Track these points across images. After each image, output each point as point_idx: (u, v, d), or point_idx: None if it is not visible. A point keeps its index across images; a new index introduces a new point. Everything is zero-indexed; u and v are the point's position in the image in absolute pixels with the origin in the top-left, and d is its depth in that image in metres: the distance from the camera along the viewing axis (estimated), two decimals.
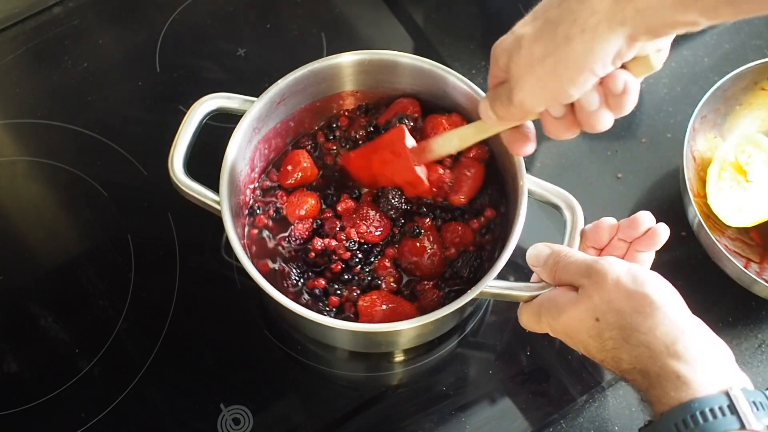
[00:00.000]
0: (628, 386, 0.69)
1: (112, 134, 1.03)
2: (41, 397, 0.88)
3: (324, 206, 0.89)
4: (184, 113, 0.84)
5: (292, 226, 0.88)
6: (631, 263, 0.71)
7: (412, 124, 0.90)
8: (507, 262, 0.78)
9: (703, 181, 0.97)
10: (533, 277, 0.82)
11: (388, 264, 0.86)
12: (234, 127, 0.84)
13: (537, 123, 0.75)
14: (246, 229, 0.89)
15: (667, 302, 0.67)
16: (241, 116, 0.85)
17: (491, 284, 0.77)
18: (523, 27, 0.68)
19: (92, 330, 0.92)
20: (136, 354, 0.91)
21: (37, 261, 0.97)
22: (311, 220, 0.88)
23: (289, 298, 0.77)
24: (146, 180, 1.00)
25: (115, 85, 1.07)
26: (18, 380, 0.90)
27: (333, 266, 0.85)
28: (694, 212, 0.89)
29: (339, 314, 0.84)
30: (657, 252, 0.79)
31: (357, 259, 0.85)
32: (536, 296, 0.76)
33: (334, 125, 0.94)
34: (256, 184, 0.91)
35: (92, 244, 0.97)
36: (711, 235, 0.88)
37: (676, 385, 0.63)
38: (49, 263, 0.97)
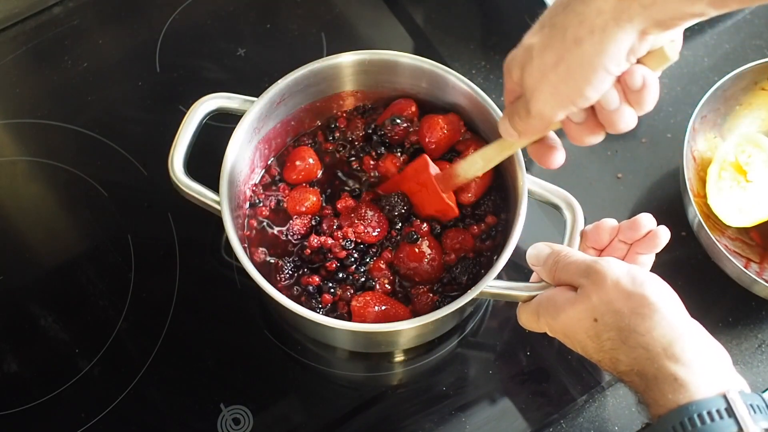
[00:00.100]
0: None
1: (112, 134, 1.03)
2: (41, 397, 0.88)
3: (324, 203, 0.90)
4: (184, 113, 0.84)
5: (291, 221, 0.88)
6: (631, 265, 0.71)
7: (405, 124, 0.90)
8: (507, 262, 0.78)
9: (703, 181, 0.97)
10: (533, 277, 0.82)
11: (383, 266, 0.86)
12: (234, 127, 0.84)
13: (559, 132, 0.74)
14: (245, 220, 0.89)
15: (666, 304, 0.67)
16: (241, 116, 0.85)
17: (491, 284, 0.77)
18: (531, 37, 0.67)
19: (92, 330, 0.92)
20: (136, 354, 0.91)
21: (37, 261, 0.97)
22: (310, 216, 0.88)
23: (279, 290, 0.77)
24: (146, 180, 1.00)
25: (115, 85, 1.07)
26: (18, 380, 0.90)
27: (328, 264, 0.85)
28: (694, 212, 0.89)
29: (331, 313, 0.84)
30: (657, 252, 0.79)
31: (352, 259, 0.85)
32: (536, 296, 0.76)
33: (333, 126, 0.94)
34: (256, 180, 0.91)
35: (92, 244, 0.97)
36: (711, 235, 0.88)
37: (674, 388, 0.63)
38: (49, 263, 0.97)
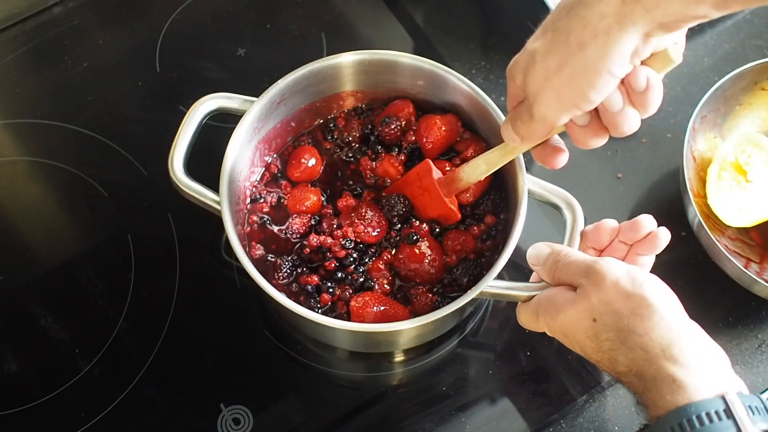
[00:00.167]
0: None
1: (112, 134, 1.03)
2: (41, 397, 0.88)
3: (325, 201, 0.90)
4: (184, 113, 0.84)
5: (290, 220, 0.88)
6: (631, 265, 0.71)
7: (396, 125, 0.90)
8: (507, 262, 0.78)
9: (703, 181, 0.97)
10: (533, 277, 0.82)
11: (382, 266, 0.86)
12: (234, 127, 0.84)
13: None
14: (246, 216, 0.89)
15: (665, 305, 0.67)
16: (241, 116, 0.85)
17: (491, 284, 0.77)
18: (534, 42, 0.67)
19: (92, 330, 0.92)
20: (136, 354, 0.91)
21: (37, 261, 0.97)
22: (309, 215, 0.88)
23: (277, 289, 0.77)
24: (146, 180, 1.00)
25: (115, 85, 1.07)
26: (18, 380, 0.90)
27: (327, 264, 0.85)
28: (694, 212, 0.89)
29: (330, 312, 0.84)
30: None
31: (351, 259, 0.85)
32: (535, 296, 0.76)
33: (332, 126, 0.94)
34: (257, 179, 0.91)
35: (92, 244, 0.97)
36: (711, 235, 0.88)
37: (672, 389, 0.63)
38: (49, 263, 0.97)
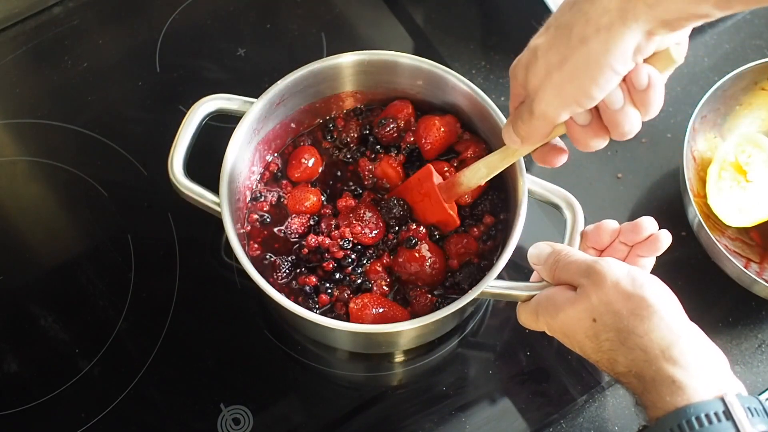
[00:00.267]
0: None
1: (112, 134, 1.03)
2: (41, 397, 0.88)
3: (325, 201, 0.90)
4: (184, 113, 0.84)
5: (289, 220, 0.88)
6: (631, 266, 0.71)
7: (392, 126, 0.90)
8: (507, 262, 0.78)
9: (703, 181, 0.97)
10: (533, 276, 0.82)
11: (379, 269, 0.85)
12: (233, 127, 0.84)
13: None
14: (245, 215, 0.89)
15: (665, 306, 0.67)
16: (240, 117, 0.85)
17: (492, 284, 0.77)
18: (537, 39, 0.67)
19: (92, 330, 0.92)
20: (136, 354, 0.91)
21: (37, 261, 0.98)
22: (308, 216, 0.88)
23: (275, 288, 0.77)
24: (146, 180, 1.00)
25: (115, 85, 1.07)
26: (18, 380, 0.90)
27: (325, 264, 0.85)
28: (694, 212, 0.89)
29: (329, 314, 0.84)
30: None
31: (350, 260, 0.85)
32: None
33: (331, 126, 0.94)
34: (257, 179, 0.91)
35: (92, 244, 0.97)
36: (711, 235, 0.88)
37: (671, 390, 0.63)
38: (49, 263, 0.97)
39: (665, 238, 0.77)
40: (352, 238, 0.85)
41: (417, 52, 0.90)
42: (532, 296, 0.76)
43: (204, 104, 0.84)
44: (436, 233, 0.86)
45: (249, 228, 0.88)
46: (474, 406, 0.89)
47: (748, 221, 0.95)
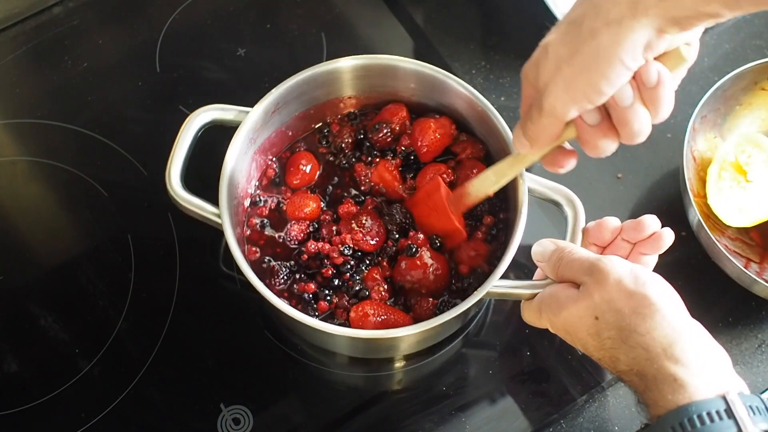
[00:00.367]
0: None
1: (112, 134, 1.03)
2: (41, 397, 0.88)
3: (324, 207, 0.89)
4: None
5: (288, 226, 0.88)
6: (634, 264, 0.71)
7: (386, 130, 0.90)
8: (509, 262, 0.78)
9: (703, 181, 0.97)
10: (537, 274, 0.82)
11: (377, 276, 0.84)
12: (231, 133, 0.84)
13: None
14: (245, 219, 0.89)
15: (667, 305, 0.67)
16: (236, 127, 0.84)
17: (496, 284, 0.77)
18: (548, 37, 0.67)
19: (92, 330, 0.92)
20: (136, 354, 0.90)
21: (37, 261, 0.97)
22: (308, 222, 0.87)
23: (274, 293, 0.77)
24: (146, 180, 1.00)
25: (115, 85, 1.07)
26: (18, 380, 0.90)
27: (324, 271, 0.84)
28: (694, 212, 0.89)
29: (330, 320, 0.83)
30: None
31: (348, 266, 0.84)
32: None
33: (326, 131, 0.94)
34: (255, 184, 0.91)
35: (92, 244, 0.97)
36: (711, 235, 0.88)
37: (673, 388, 0.63)
38: (49, 263, 0.97)
39: (668, 236, 0.77)
40: (352, 245, 0.85)
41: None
42: (536, 294, 0.76)
43: (199, 116, 0.84)
44: (437, 240, 0.85)
45: (249, 232, 0.88)
46: (474, 406, 0.89)
47: (748, 221, 0.95)
